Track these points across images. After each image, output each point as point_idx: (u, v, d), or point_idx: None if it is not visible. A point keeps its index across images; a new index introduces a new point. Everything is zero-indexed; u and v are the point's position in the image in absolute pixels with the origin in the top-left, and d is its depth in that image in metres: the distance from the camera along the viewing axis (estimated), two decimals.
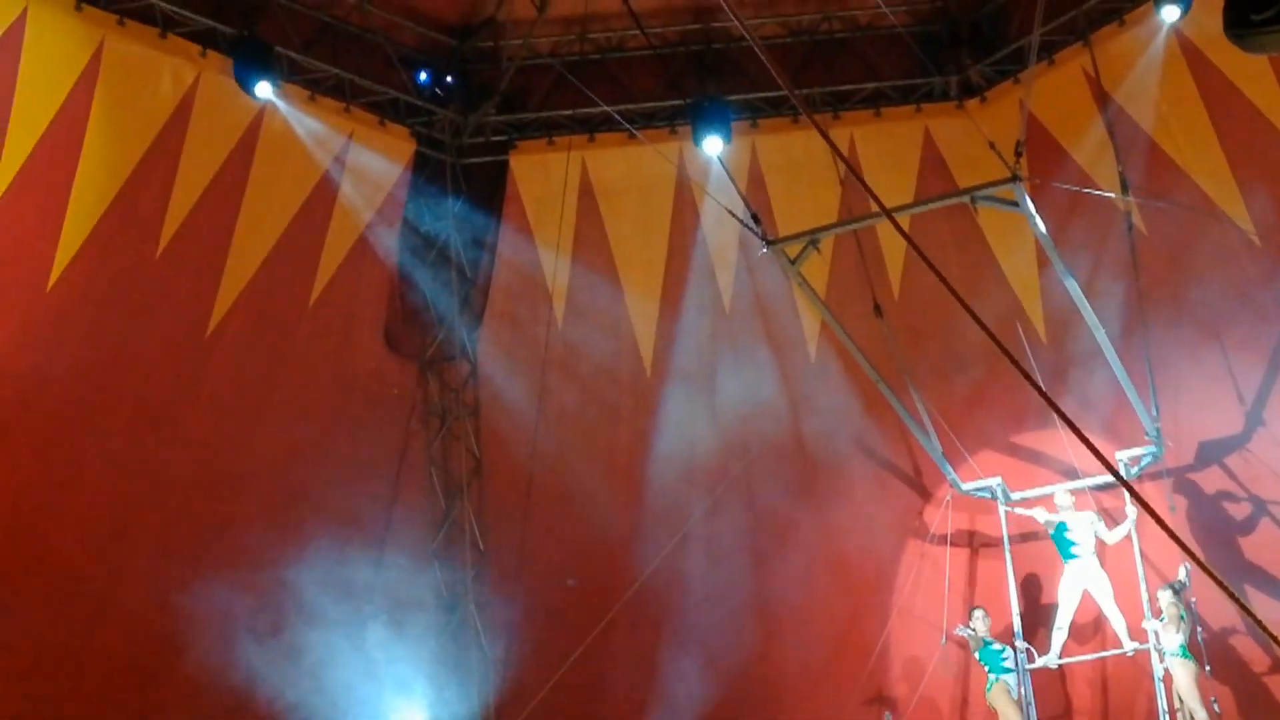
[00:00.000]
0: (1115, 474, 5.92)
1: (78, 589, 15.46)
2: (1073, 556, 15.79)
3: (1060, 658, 15.74)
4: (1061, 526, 15.94)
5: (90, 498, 15.62)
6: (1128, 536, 15.73)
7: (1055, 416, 5.66)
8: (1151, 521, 5.52)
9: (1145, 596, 15.36)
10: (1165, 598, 14.95)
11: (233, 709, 15.52)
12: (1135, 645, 15.36)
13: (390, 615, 17.00)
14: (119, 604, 15.68)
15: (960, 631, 15.89)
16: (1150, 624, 15.06)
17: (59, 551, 15.38)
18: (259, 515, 15.77)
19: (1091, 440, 5.76)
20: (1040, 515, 16.09)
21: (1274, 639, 5.26)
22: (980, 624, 15.85)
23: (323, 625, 16.05)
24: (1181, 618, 14.80)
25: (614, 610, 17.17)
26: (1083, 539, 15.82)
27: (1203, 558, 6.42)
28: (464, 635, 18.19)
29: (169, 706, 15.79)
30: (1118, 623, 15.52)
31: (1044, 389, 5.84)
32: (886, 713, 16.50)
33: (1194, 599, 14.87)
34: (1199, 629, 14.82)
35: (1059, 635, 15.69)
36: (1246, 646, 15.38)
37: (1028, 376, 5.80)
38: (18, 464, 15.12)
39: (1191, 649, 14.72)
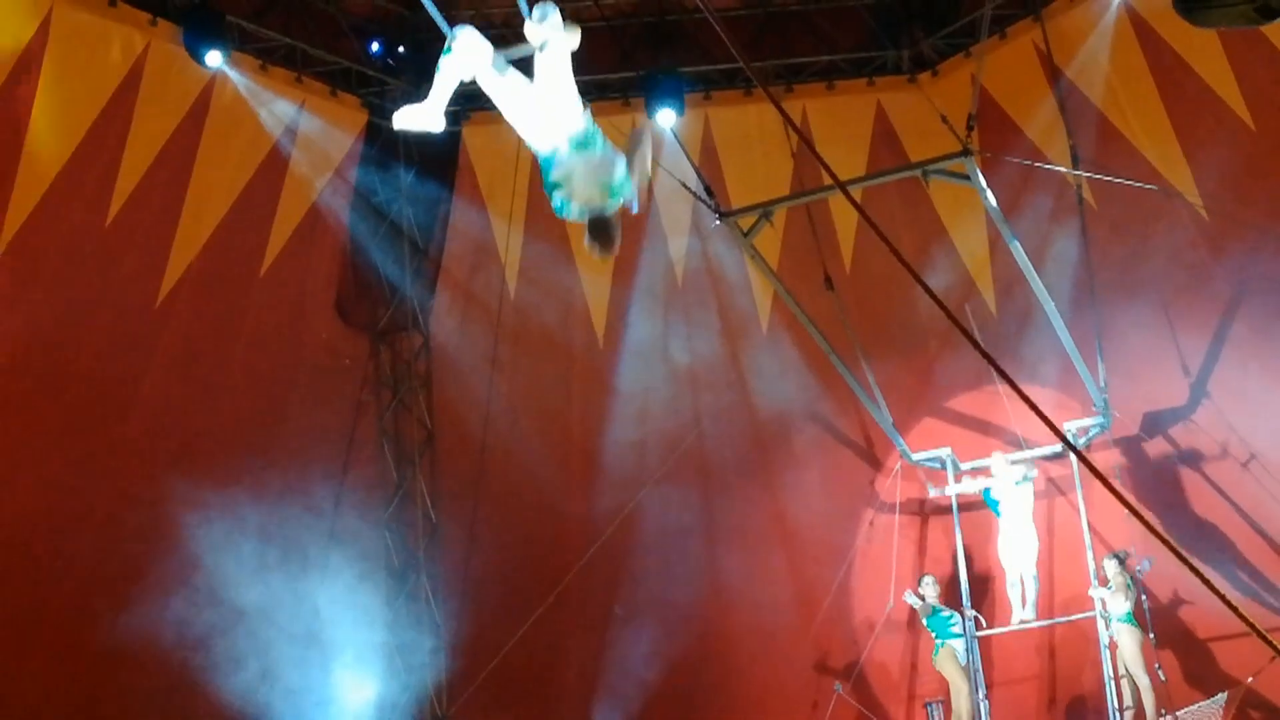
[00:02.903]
0: (1061, 436, 5.97)
1: (26, 559, 15.36)
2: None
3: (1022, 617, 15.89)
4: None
5: (40, 468, 15.50)
6: (1074, 506, 15.91)
7: (1004, 387, 5.71)
8: (1098, 491, 5.62)
9: (1091, 564, 15.53)
10: (1111, 567, 15.13)
11: (180, 680, 15.46)
12: (1027, 619, 15.73)
13: (341, 586, 16.96)
14: (68, 573, 15.58)
15: (908, 599, 16.03)
16: (1096, 591, 15.23)
17: (7, 522, 15.27)
18: (209, 486, 15.68)
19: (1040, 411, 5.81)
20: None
21: (1223, 598, 5.33)
22: (930, 590, 16.00)
23: (274, 595, 16.01)
24: (1128, 586, 14.97)
25: (566, 579, 17.24)
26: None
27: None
28: (416, 605, 18.19)
29: (116, 676, 15.71)
30: (1029, 588, 15.77)
31: (993, 359, 5.88)
32: (837, 683, 16.62)
33: (1139, 567, 15.04)
34: (1144, 597, 14.99)
35: (1014, 591, 15.91)
36: (1191, 614, 15.57)
37: (976, 344, 5.84)
38: None
39: (1137, 616, 14.90)
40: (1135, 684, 14.79)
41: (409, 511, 18.48)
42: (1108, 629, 15.11)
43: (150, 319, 16.42)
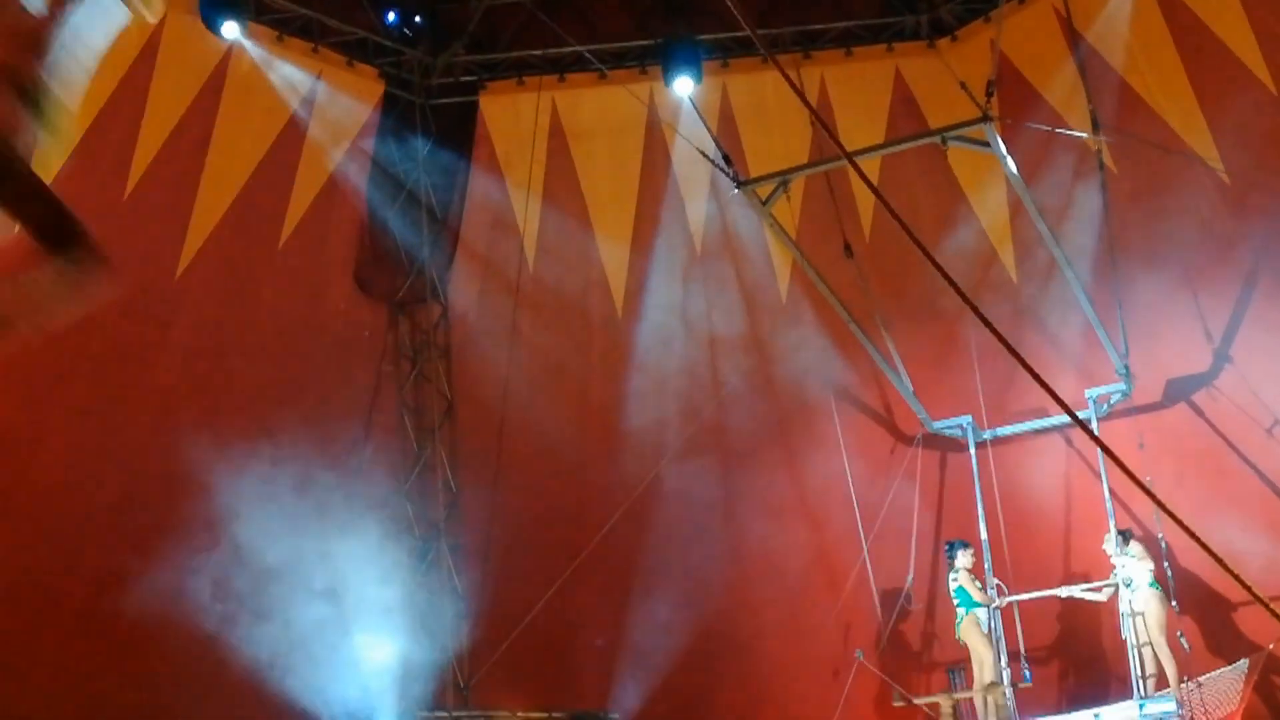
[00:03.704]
0: (1072, 415, 5.94)
1: (46, 533, 15.42)
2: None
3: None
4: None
5: (57, 443, 15.57)
6: (1097, 474, 15.87)
7: (1025, 354, 5.67)
8: (1119, 456, 5.59)
9: (1114, 531, 15.47)
10: (1110, 547, 15.15)
11: (204, 650, 15.50)
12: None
13: (363, 556, 16.98)
14: (87, 548, 15.64)
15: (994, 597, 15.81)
16: (1118, 558, 15.18)
17: (26, 496, 15.34)
18: (228, 458, 15.71)
19: (1062, 378, 5.81)
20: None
21: (1236, 577, 5.31)
22: (967, 559, 15.90)
23: (295, 568, 16.04)
24: (1146, 553, 14.97)
25: (587, 549, 17.24)
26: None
27: (1170, 493, 6.48)
28: (437, 575, 18.22)
29: (138, 650, 15.76)
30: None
31: (1014, 329, 5.87)
32: (858, 650, 16.61)
33: (1160, 535, 15.00)
34: (1166, 565, 14.96)
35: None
36: (1213, 581, 15.51)
37: (988, 324, 5.80)
38: None
39: (1159, 582, 14.87)
40: (1156, 652, 14.76)
41: (430, 481, 18.49)
42: (1129, 596, 15.07)
43: (169, 291, 16.43)
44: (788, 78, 6.45)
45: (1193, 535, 5.46)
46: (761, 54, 17.33)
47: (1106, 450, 5.59)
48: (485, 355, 18.38)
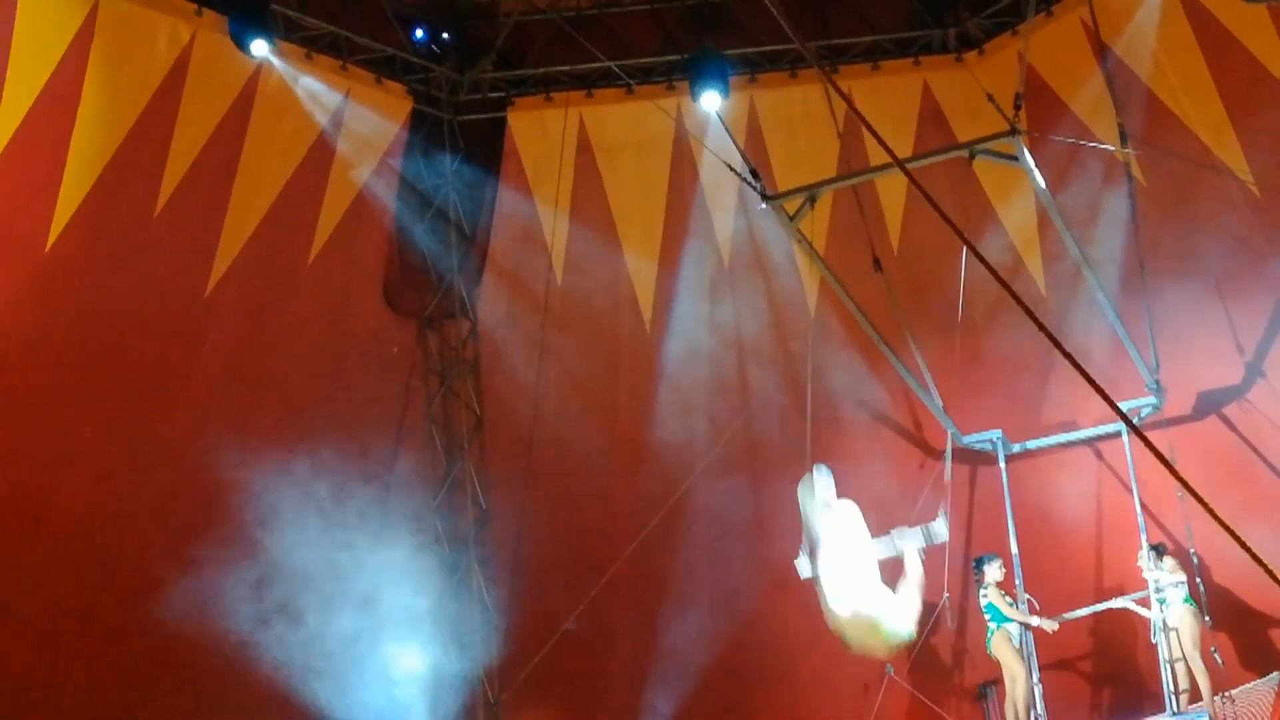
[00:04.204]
0: (1119, 412, 5.96)
1: (77, 553, 15.47)
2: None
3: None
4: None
5: (90, 460, 15.62)
6: (1127, 487, 15.83)
7: (1055, 367, 5.68)
8: (1151, 471, 5.58)
9: (1145, 545, 15.40)
10: (1147, 561, 15.08)
11: (236, 670, 15.56)
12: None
13: (392, 573, 17.03)
14: (119, 568, 15.69)
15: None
16: (1150, 573, 15.11)
17: (58, 514, 15.41)
18: (260, 474, 15.77)
19: (1092, 392, 5.78)
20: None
21: (1272, 575, 5.29)
22: (995, 573, 15.83)
23: (325, 584, 16.08)
24: (1179, 566, 14.91)
25: (617, 564, 17.25)
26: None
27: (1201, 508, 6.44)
28: (466, 592, 18.24)
29: (171, 669, 15.85)
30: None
31: (1043, 342, 5.87)
32: (888, 665, 16.56)
33: (1191, 549, 14.93)
34: (1199, 580, 14.89)
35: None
36: (1245, 594, 15.43)
37: (1030, 314, 5.81)
38: (17, 425, 15.12)
39: (1193, 597, 14.81)
40: (1190, 666, 14.68)
41: (459, 498, 18.52)
42: (1162, 610, 14.99)
43: (199, 308, 16.51)
44: (835, 85, 6.50)
45: (1231, 532, 5.45)
46: (788, 68, 17.37)
47: (1152, 448, 5.58)
48: (514, 371, 18.41)
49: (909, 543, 10.81)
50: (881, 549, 11.32)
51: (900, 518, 16.90)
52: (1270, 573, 5.29)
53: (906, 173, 6.64)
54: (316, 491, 16.06)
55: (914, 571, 10.94)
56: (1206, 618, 14.73)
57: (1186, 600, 14.81)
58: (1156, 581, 15.03)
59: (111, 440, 15.79)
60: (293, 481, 15.81)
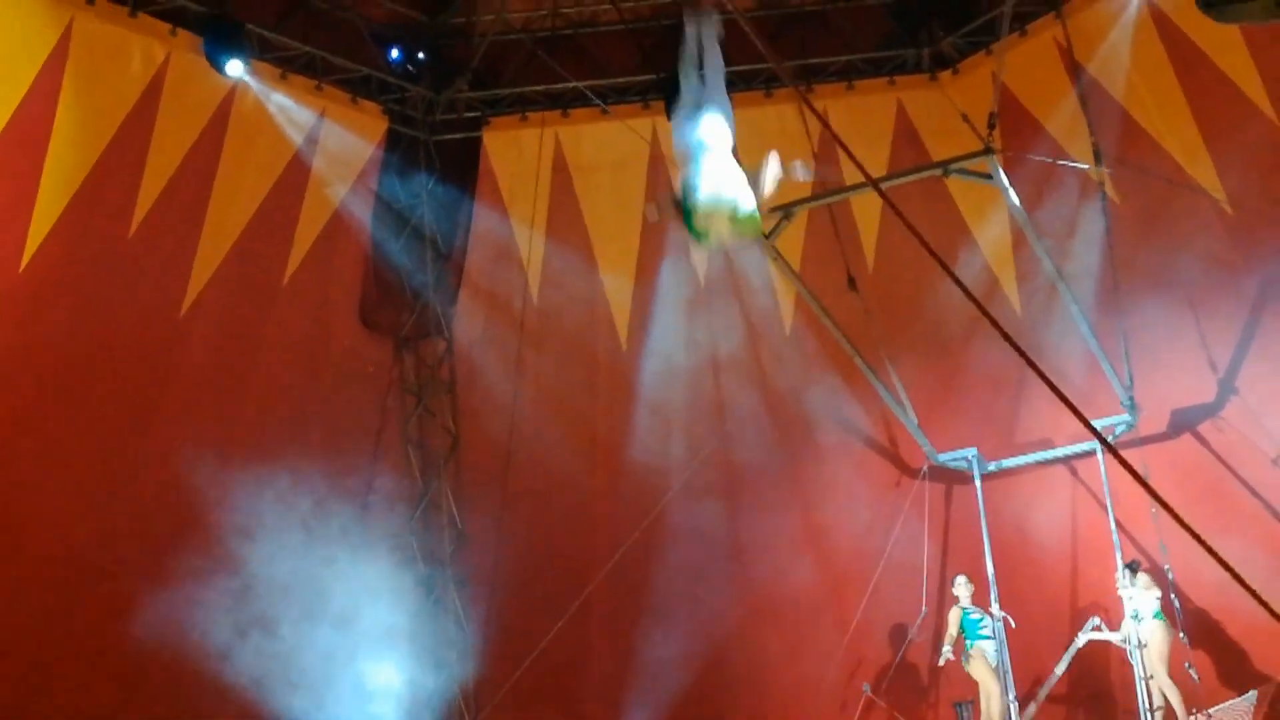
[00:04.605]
0: (1093, 429, 5.99)
1: (54, 570, 15.41)
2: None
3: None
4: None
5: (66, 479, 15.56)
6: (1102, 505, 15.87)
7: (1031, 385, 5.70)
8: (1125, 489, 5.60)
9: (1120, 563, 15.43)
10: (1124, 579, 15.11)
11: (210, 685, 15.48)
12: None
13: (370, 591, 16.99)
14: (97, 585, 15.62)
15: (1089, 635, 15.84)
16: (1125, 590, 15.14)
17: (35, 532, 15.33)
18: (236, 493, 15.74)
19: (1066, 410, 5.80)
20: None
21: (1253, 593, 5.32)
22: (963, 591, 15.91)
23: (302, 601, 16.05)
24: (1152, 584, 14.94)
25: (594, 582, 17.23)
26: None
27: (1176, 525, 6.46)
28: (442, 612, 18.22)
29: (147, 684, 15.78)
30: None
31: (1018, 361, 5.88)
32: (865, 684, 16.58)
33: (1166, 565, 14.98)
34: (1173, 596, 14.91)
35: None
36: (1221, 611, 15.44)
37: (1004, 334, 5.82)
38: None
39: (1166, 614, 14.83)
40: (1160, 684, 14.69)
41: (435, 517, 18.51)
42: (1138, 628, 15.02)
43: (175, 328, 16.48)
44: (810, 105, 6.52)
45: (1212, 552, 5.47)
46: (763, 88, 17.39)
47: (1127, 466, 5.60)
48: (490, 389, 18.40)
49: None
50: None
51: (876, 536, 17.01)
52: (1243, 583, 5.32)
53: (880, 192, 6.67)
54: (294, 509, 16.03)
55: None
56: (1181, 634, 14.76)
57: (1157, 615, 14.83)
58: (1130, 599, 15.06)
59: (88, 459, 15.75)
60: (270, 499, 15.78)
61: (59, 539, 15.48)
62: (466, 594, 18.29)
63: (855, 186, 14.76)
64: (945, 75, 17.53)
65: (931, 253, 5.83)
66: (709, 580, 17.84)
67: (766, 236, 13.81)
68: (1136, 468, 15.16)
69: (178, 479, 15.88)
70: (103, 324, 15.82)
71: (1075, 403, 15.91)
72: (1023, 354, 5.67)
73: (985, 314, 5.79)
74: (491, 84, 18.20)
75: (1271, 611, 5.35)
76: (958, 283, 5.76)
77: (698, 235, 10.24)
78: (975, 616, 15.86)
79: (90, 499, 15.74)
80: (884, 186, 15.06)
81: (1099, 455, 15.78)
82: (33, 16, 14.67)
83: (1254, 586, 5.76)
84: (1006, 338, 5.75)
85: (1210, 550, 5.45)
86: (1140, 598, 14.93)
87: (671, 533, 17.75)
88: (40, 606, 15.32)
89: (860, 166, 6.80)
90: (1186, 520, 5.73)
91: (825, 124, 6.77)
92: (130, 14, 15.35)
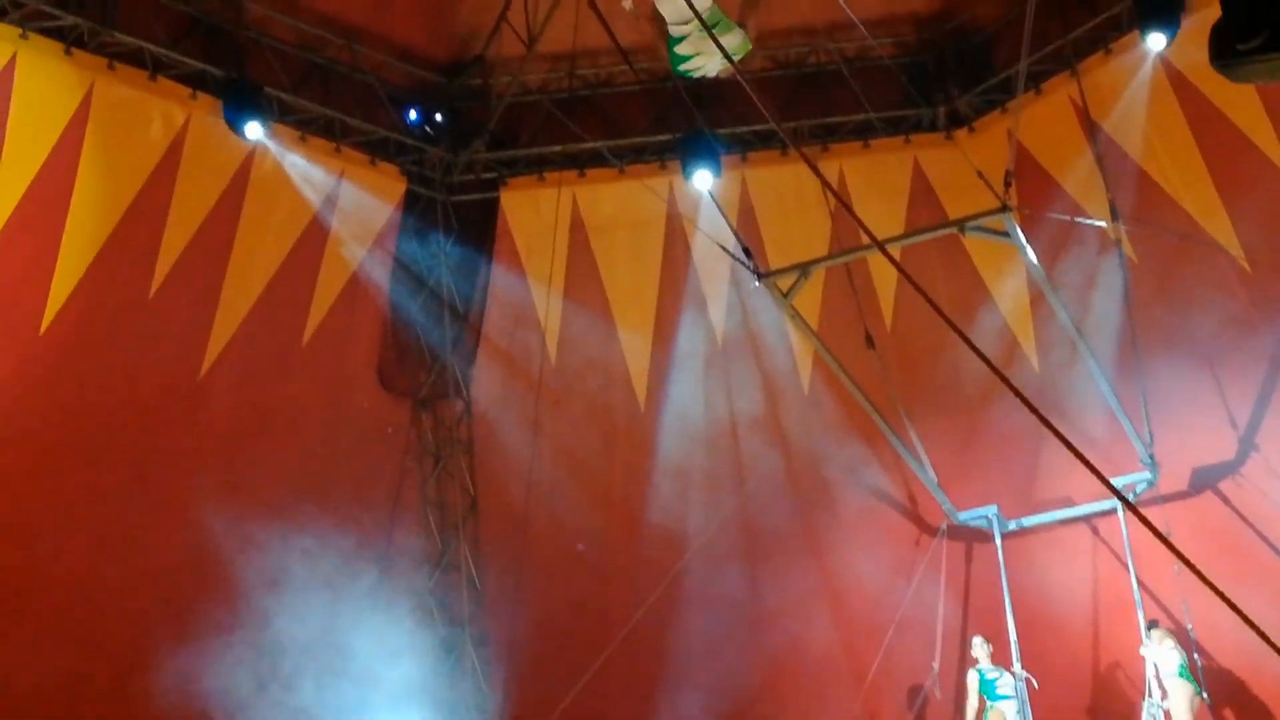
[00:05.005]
0: (1114, 490, 5.93)
1: (70, 629, 15.39)
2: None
3: None
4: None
5: (86, 537, 15.58)
6: (1123, 564, 15.78)
7: (1050, 443, 5.68)
8: (1146, 547, 5.57)
9: (1142, 622, 15.34)
10: (1164, 632, 15.02)
11: None
12: None
13: (388, 651, 16.94)
14: (112, 645, 15.61)
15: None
16: (1147, 650, 15.04)
17: (55, 590, 15.34)
18: (255, 554, 15.73)
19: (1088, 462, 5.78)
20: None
21: (1269, 642, 5.26)
22: (980, 651, 15.85)
23: (320, 661, 16.01)
24: (1177, 644, 14.83)
25: (611, 646, 17.13)
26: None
27: (1199, 582, 6.42)
28: (461, 672, 18.13)
29: None
30: None
31: (1037, 419, 5.85)
32: None
33: (1189, 625, 14.88)
34: (1196, 655, 14.81)
35: None
36: (1246, 671, 15.34)
37: (1026, 401, 5.79)
38: (10, 505, 15.09)
39: (1191, 672, 14.73)
40: None
41: (454, 577, 18.45)
42: (1159, 687, 14.91)
43: (195, 389, 16.52)
44: (813, 167, 6.54)
45: (1236, 609, 5.42)
46: (780, 147, 17.45)
47: (1147, 523, 5.55)
48: (508, 450, 18.37)
49: None
50: None
51: (896, 596, 16.92)
52: (1270, 642, 5.26)
53: (886, 254, 6.69)
54: (313, 568, 16.02)
55: None
56: (1204, 694, 14.64)
57: (1180, 674, 14.72)
58: (1152, 658, 14.97)
59: (108, 518, 15.77)
60: (289, 558, 15.78)
61: (79, 597, 15.49)
62: (485, 654, 18.22)
63: (866, 247, 14.78)
64: (961, 134, 17.57)
65: (942, 315, 5.82)
66: (728, 640, 17.75)
67: (785, 295, 13.77)
68: (1158, 526, 15.07)
69: (197, 538, 15.89)
70: (123, 384, 15.88)
71: (1095, 460, 15.80)
72: (1039, 415, 5.64)
73: (999, 374, 5.79)
74: (509, 145, 18.29)
75: None
76: (970, 345, 5.75)
77: (677, 62, 9.94)
78: (992, 677, 15.77)
79: (110, 557, 15.74)
80: (902, 245, 15.23)
81: (1119, 514, 15.71)
82: (55, 80, 14.81)
83: (1278, 644, 5.70)
84: (1021, 397, 5.73)
85: (1235, 608, 5.40)
86: (1161, 655, 14.83)
87: (691, 593, 17.69)
88: (60, 664, 15.28)
89: (867, 230, 6.81)
90: (1210, 576, 5.67)
91: (828, 186, 6.72)
92: (150, 78, 15.48)
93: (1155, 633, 15.08)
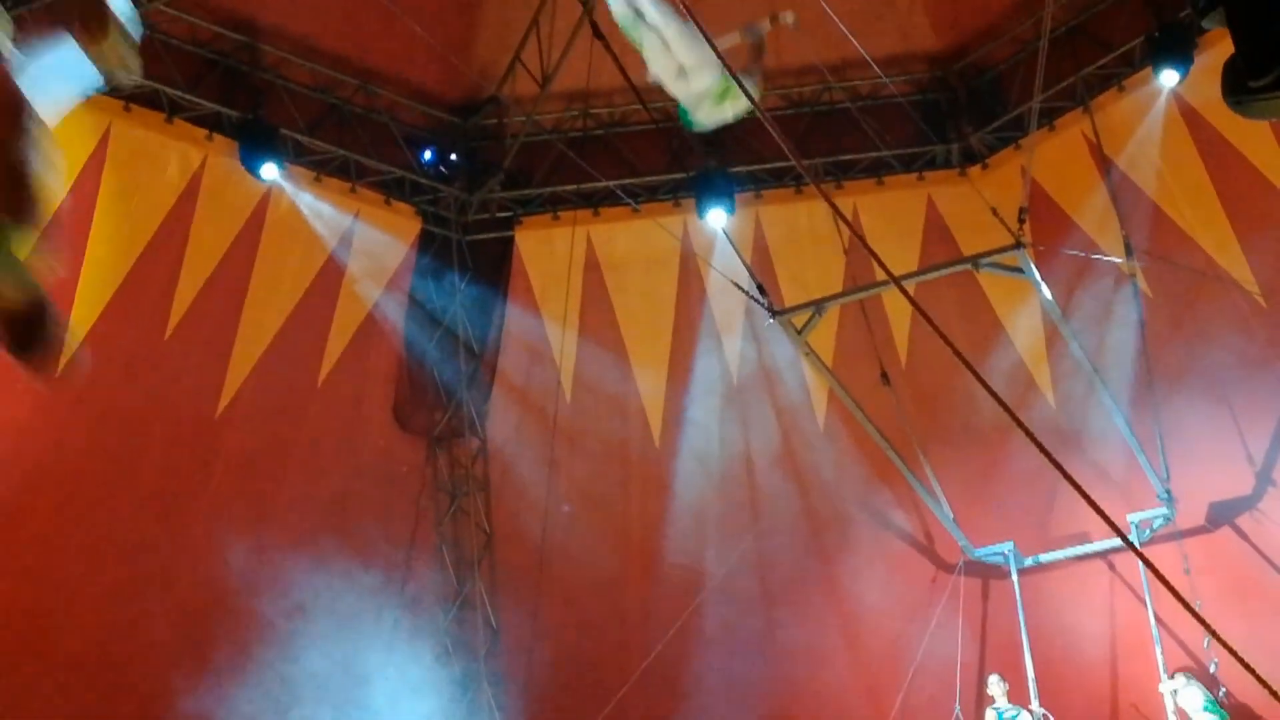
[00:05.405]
0: (1123, 537, 5.89)
1: (91, 674, 15.41)
2: None
3: None
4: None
5: (103, 581, 15.60)
6: (1142, 600, 15.74)
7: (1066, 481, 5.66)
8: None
9: (1160, 658, 15.28)
10: (1187, 676, 14.98)
11: None
12: None
13: (405, 689, 16.91)
14: (133, 686, 15.61)
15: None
16: (1166, 685, 14.98)
17: (72, 636, 15.36)
18: (271, 591, 15.74)
19: (1103, 503, 5.77)
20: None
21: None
22: (997, 689, 15.81)
23: (336, 699, 15.98)
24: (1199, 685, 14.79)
25: (627, 685, 17.09)
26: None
27: (1217, 618, 6.41)
28: (478, 711, 18.08)
29: None
30: None
31: (1053, 454, 5.84)
32: None
33: (1212, 661, 14.83)
34: (1223, 691, 14.76)
35: None
36: (1270, 711, 15.25)
37: (1036, 441, 5.79)
38: (31, 547, 15.13)
39: (1220, 705, 14.69)
40: None
41: (469, 615, 18.43)
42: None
43: (210, 428, 16.55)
44: (831, 202, 6.58)
45: (1237, 656, 5.40)
46: (793, 184, 17.49)
47: (1155, 571, 5.53)
48: (524, 488, 18.37)
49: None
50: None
51: (913, 633, 16.86)
52: (1275, 693, 5.23)
53: (902, 289, 6.68)
54: (329, 607, 16.02)
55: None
56: None
57: (1207, 708, 14.65)
58: (1174, 694, 14.92)
59: (123, 559, 15.78)
60: (305, 597, 15.79)
61: (95, 639, 15.50)
62: (501, 691, 18.18)
63: (881, 283, 14.79)
64: (974, 170, 17.60)
65: (955, 350, 5.81)
66: (745, 676, 17.70)
67: (799, 332, 13.77)
68: (1176, 560, 15.09)
69: (213, 577, 15.92)
70: (139, 425, 15.92)
71: (1112, 496, 15.86)
72: (1048, 455, 5.62)
73: (1009, 413, 5.77)
74: (523, 184, 18.34)
75: None
76: (982, 383, 5.75)
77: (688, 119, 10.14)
78: (1010, 715, 15.71)
79: (126, 598, 15.76)
80: (917, 281, 15.24)
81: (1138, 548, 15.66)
82: (71, 122, 14.73)
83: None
84: (1032, 438, 5.72)
85: (1248, 667, 5.38)
86: (1185, 695, 14.75)
87: (707, 629, 17.65)
88: (84, 704, 15.32)
89: (882, 264, 6.83)
90: (1227, 611, 5.67)
91: (842, 217, 6.75)
92: (167, 119, 15.58)
93: (1180, 676, 15.03)
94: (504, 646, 18.33)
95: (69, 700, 15.17)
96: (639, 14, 9.55)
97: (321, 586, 16.14)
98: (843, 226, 16.78)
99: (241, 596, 15.65)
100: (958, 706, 16.25)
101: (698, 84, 9.47)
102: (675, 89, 9.82)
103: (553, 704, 17.81)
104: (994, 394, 5.81)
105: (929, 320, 5.98)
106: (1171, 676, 15.09)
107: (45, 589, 15.20)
